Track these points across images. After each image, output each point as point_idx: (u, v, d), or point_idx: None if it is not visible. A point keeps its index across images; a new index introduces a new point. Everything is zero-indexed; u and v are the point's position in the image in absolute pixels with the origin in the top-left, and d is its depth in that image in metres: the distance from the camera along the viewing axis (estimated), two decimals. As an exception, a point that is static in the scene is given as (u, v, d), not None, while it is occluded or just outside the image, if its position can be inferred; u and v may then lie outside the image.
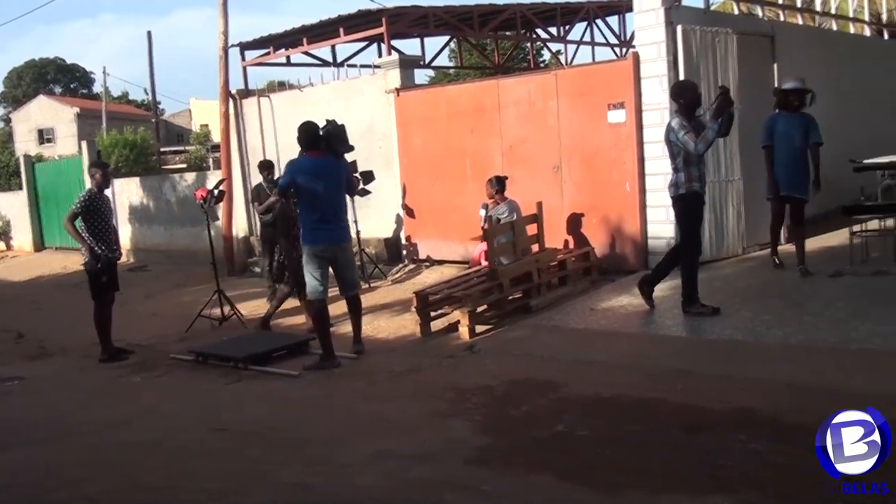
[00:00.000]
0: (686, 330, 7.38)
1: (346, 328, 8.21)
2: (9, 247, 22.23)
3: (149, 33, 30.84)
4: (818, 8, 14.27)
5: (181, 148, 40.54)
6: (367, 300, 9.56)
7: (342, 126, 7.74)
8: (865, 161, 10.10)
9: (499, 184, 9.78)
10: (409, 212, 12.01)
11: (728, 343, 6.80)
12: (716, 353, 6.68)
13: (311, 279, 7.57)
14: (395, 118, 12.07)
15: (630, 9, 10.01)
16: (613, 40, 19.05)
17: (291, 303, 10.84)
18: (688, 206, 7.45)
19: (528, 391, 6.16)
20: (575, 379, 6.29)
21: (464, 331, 8.06)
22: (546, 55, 28.19)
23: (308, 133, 7.58)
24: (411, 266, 11.95)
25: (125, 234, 17.11)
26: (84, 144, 19.48)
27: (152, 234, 17.41)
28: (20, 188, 21.89)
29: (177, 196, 16.73)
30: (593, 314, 8.24)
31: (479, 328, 8.16)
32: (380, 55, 15.07)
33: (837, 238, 9.46)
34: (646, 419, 5.24)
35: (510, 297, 8.73)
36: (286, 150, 11.28)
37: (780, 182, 8.62)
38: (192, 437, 5.83)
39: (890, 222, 8.72)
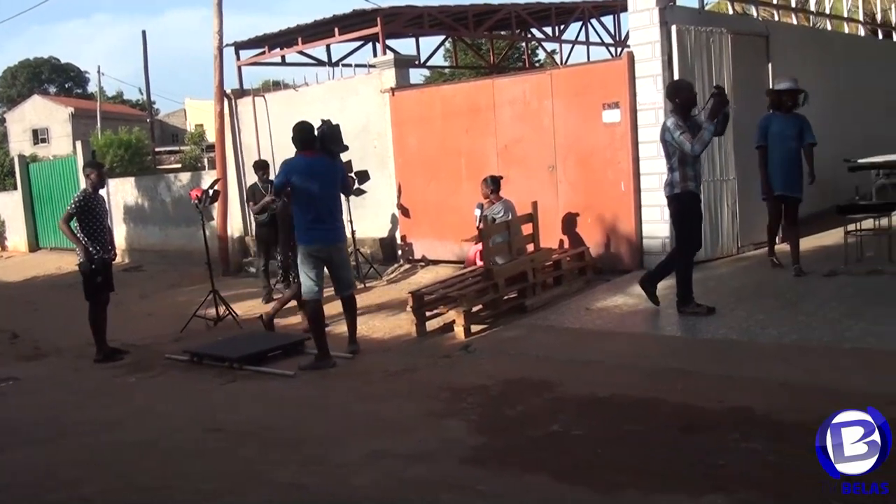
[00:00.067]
0: (681, 329, 7.39)
1: (342, 328, 8.22)
2: (3, 247, 22.17)
3: (143, 33, 31.07)
4: (812, 8, 14.30)
5: (176, 148, 40.57)
6: (362, 300, 9.57)
7: (337, 126, 7.73)
8: (860, 161, 10.13)
9: (494, 183, 9.78)
10: (405, 211, 12.01)
11: (723, 342, 6.82)
12: (711, 353, 6.68)
13: (306, 279, 7.57)
14: (390, 118, 12.06)
15: (625, 8, 10.01)
16: (608, 40, 19.09)
17: (288, 303, 10.85)
18: (683, 205, 7.46)
19: (523, 391, 6.16)
20: (570, 378, 6.30)
21: (459, 331, 8.06)
22: (541, 55, 28.23)
23: (303, 133, 7.57)
24: (406, 266, 11.94)
25: (120, 234, 17.06)
26: (79, 144, 19.42)
27: (147, 234, 17.38)
28: (15, 188, 21.83)
29: (172, 196, 16.71)
30: (588, 314, 8.25)
31: (475, 328, 8.16)
32: (375, 55, 15.10)
33: (832, 237, 9.47)
34: (642, 419, 5.24)
35: (505, 297, 8.73)
36: (281, 150, 11.28)
37: (775, 182, 8.64)
38: (187, 438, 5.82)
39: (884, 222, 8.73)
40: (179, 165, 32.34)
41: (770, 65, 10.26)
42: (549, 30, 18.32)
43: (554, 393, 6.02)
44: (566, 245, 10.09)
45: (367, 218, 12.21)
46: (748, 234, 9.78)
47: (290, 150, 7.78)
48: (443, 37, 18.03)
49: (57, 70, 69.73)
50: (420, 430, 5.45)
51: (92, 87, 61.42)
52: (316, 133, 7.57)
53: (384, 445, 5.17)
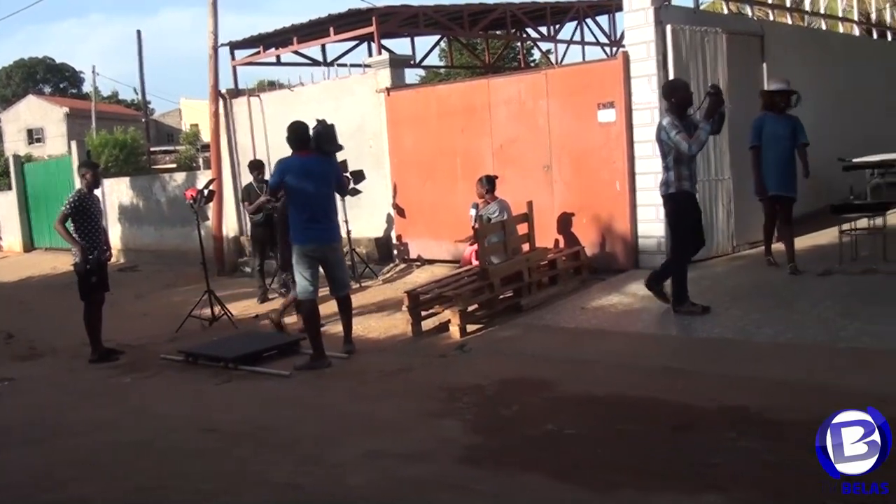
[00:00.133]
0: (676, 329, 7.41)
1: (338, 328, 8.21)
2: (-2, 247, 22.15)
3: (138, 32, 30.83)
4: (807, 7, 14.32)
5: (171, 148, 40.48)
6: (357, 300, 9.57)
7: (331, 125, 7.74)
8: (855, 160, 10.17)
9: (489, 183, 9.79)
10: (400, 211, 12.01)
11: (718, 342, 6.83)
12: (706, 352, 6.70)
13: (301, 279, 7.57)
14: (385, 117, 12.05)
15: (620, 8, 10.03)
16: (603, 40, 19.08)
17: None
18: (678, 205, 7.47)
19: (519, 390, 6.18)
20: (566, 378, 6.30)
21: (455, 330, 8.06)
22: (536, 54, 28.24)
23: (297, 133, 7.58)
24: (402, 266, 11.94)
25: (115, 234, 17.04)
26: (73, 144, 19.41)
27: (142, 234, 17.36)
28: (9, 188, 21.80)
29: (167, 196, 16.69)
30: (584, 313, 8.25)
31: (470, 327, 8.17)
32: (370, 54, 15.07)
33: (827, 237, 9.49)
34: (637, 418, 5.25)
35: (501, 297, 8.73)
36: (276, 150, 11.27)
37: (769, 182, 8.67)
38: (182, 438, 5.82)
39: (879, 221, 8.75)
40: (174, 165, 32.27)
41: (765, 64, 10.28)
42: (544, 29, 18.31)
43: (550, 392, 6.03)
44: (561, 245, 10.09)
45: (362, 218, 12.20)
46: (743, 233, 9.79)
47: (285, 150, 7.78)
48: (438, 36, 18.02)
49: (52, 70, 69.68)
50: (416, 430, 5.45)
51: (87, 87, 61.35)
52: (311, 133, 7.57)
53: (380, 445, 5.17)
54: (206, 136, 31.73)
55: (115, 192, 17.88)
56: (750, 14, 12.03)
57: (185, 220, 14.37)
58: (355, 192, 11.11)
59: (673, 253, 7.72)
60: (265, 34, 14.95)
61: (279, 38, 15.12)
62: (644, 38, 9.27)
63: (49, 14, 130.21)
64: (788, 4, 13.61)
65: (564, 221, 10.12)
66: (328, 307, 8.47)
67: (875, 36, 16.48)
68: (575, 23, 18.46)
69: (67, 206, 8.52)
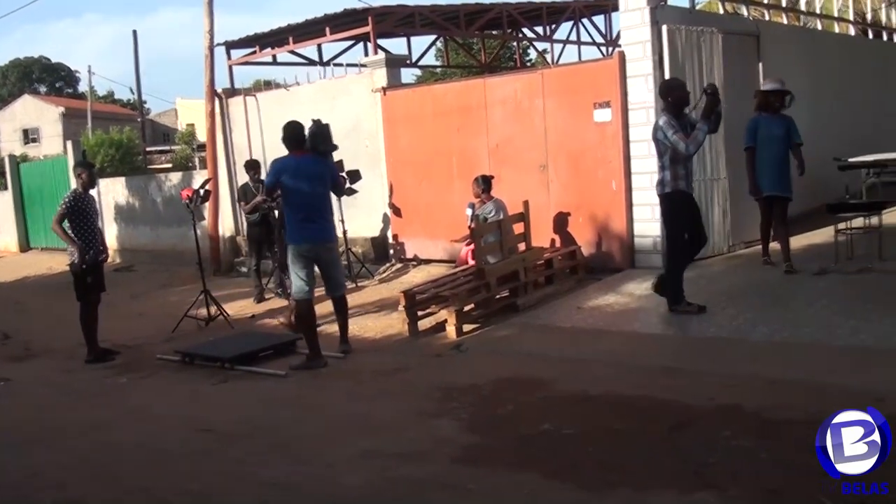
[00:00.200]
0: (672, 328, 7.42)
1: (334, 328, 8.20)
2: (-7, 247, 22.09)
3: (134, 32, 30.95)
4: (803, 7, 14.34)
5: (167, 147, 40.43)
6: (353, 299, 9.57)
7: (326, 125, 7.74)
8: (850, 160, 10.19)
9: (485, 183, 9.80)
10: (396, 211, 12.01)
11: (714, 341, 6.84)
12: (701, 351, 6.71)
13: (296, 279, 7.57)
14: (381, 117, 12.05)
15: (616, 8, 10.02)
16: (599, 39, 19.08)
17: (279, 303, 10.86)
18: (673, 204, 7.47)
19: (514, 389, 6.18)
20: (562, 377, 6.31)
21: (451, 330, 8.07)
22: (532, 54, 28.22)
23: (293, 133, 7.58)
24: (398, 265, 11.94)
25: (111, 234, 17.01)
26: (69, 144, 19.35)
27: (138, 234, 17.32)
28: (5, 188, 21.73)
29: (163, 196, 16.66)
30: (580, 312, 8.26)
31: (466, 327, 8.17)
32: (366, 54, 15.08)
33: (822, 236, 9.50)
34: (633, 417, 5.26)
35: (497, 296, 8.74)
36: (272, 150, 11.26)
37: (765, 183, 8.69)
38: (178, 438, 5.81)
39: (874, 220, 8.76)
40: (170, 165, 32.25)
41: (761, 64, 10.28)
42: (540, 29, 18.30)
43: (545, 391, 6.03)
44: (557, 244, 10.09)
45: (358, 217, 12.20)
46: (739, 232, 9.80)
47: (281, 150, 7.77)
48: (434, 36, 18.00)
49: (47, 69, 69.53)
50: (411, 430, 5.46)
51: (83, 87, 61.24)
52: (306, 133, 7.58)
53: (375, 445, 5.17)
54: (202, 136, 31.69)
55: (111, 192, 17.85)
56: (746, 14, 12.04)
57: (182, 220, 14.33)
58: (351, 191, 11.10)
59: (668, 252, 7.72)
60: (261, 34, 14.93)
61: (275, 38, 15.11)
62: (640, 37, 9.28)
63: (45, 13, 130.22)
64: (784, 4, 13.62)
65: (560, 221, 10.12)
66: (325, 307, 8.47)
67: (871, 36, 16.51)
68: (571, 23, 18.46)
69: (63, 207, 8.51)
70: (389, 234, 12.27)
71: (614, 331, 7.60)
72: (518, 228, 9.37)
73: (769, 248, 9.02)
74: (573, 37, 18.72)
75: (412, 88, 12.91)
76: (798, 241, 9.32)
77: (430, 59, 22.26)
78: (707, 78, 9.18)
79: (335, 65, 16.51)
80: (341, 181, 9.28)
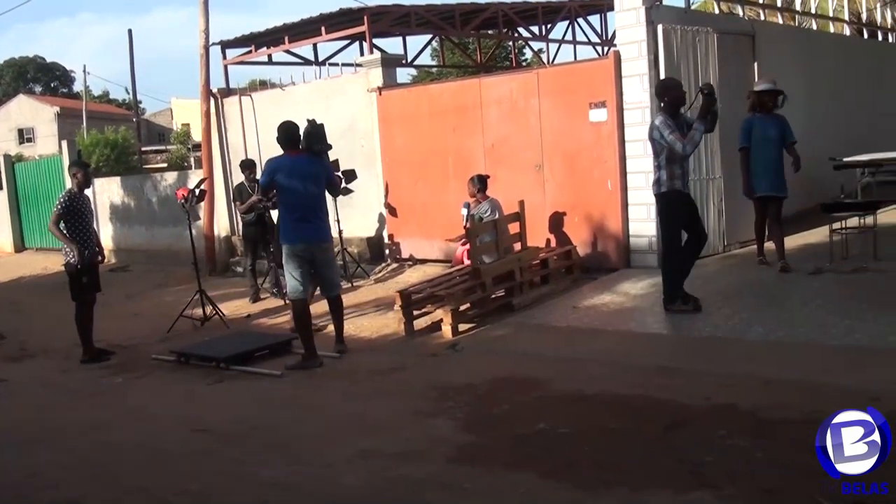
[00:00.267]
0: (667, 327, 7.42)
1: (331, 327, 8.20)
2: (-12, 247, 22.04)
3: (129, 32, 30.75)
4: (798, 7, 14.36)
5: (162, 147, 40.39)
6: (349, 299, 9.58)
7: (321, 125, 7.75)
8: (845, 159, 10.21)
9: (481, 182, 9.79)
10: (392, 211, 12.00)
11: (709, 340, 6.85)
12: (697, 351, 6.72)
13: (291, 279, 7.56)
14: (377, 117, 12.04)
15: (611, 8, 10.04)
16: (595, 39, 19.13)
17: (274, 303, 10.85)
18: (669, 204, 7.49)
19: (510, 389, 6.18)
20: (557, 376, 6.31)
21: (447, 329, 8.07)
22: (528, 54, 28.27)
23: (288, 132, 7.58)
24: (394, 265, 11.93)
25: (106, 234, 16.99)
26: (64, 144, 19.30)
27: (133, 234, 17.29)
28: (0, 188, 21.70)
29: (158, 196, 16.63)
30: (575, 312, 8.27)
31: (462, 327, 8.17)
32: (362, 54, 15.08)
33: (817, 235, 9.52)
34: (628, 416, 5.27)
35: (493, 296, 8.74)
36: (268, 149, 11.23)
37: (760, 183, 8.72)
38: (174, 438, 5.80)
39: (869, 220, 8.78)
40: (166, 165, 32.23)
41: (756, 64, 10.30)
42: (535, 29, 18.35)
43: (541, 391, 6.04)
44: (553, 244, 10.10)
45: (354, 217, 12.19)
46: (734, 232, 9.81)
47: (276, 150, 7.77)
48: (430, 36, 18.03)
49: (42, 69, 69.46)
50: (407, 429, 5.45)
51: (78, 87, 61.26)
52: (301, 133, 7.58)
53: (372, 445, 5.17)
54: (197, 136, 31.67)
55: (106, 192, 17.81)
56: (741, 14, 12.06)
57: (177, 220, 14.32)
58: (347, 191, 11.11)
59: (664, 252, 7.73)
60: (256, 33, 14.93)
61: (270, 38, 15.11)
62: (635, 37, 9.29)
63: (40, 13, 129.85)
64: (779, 4, 13.65)
65: (556, 221, 10.13)
66: (321, 307, 8.46)
67: (866, 36, 16.53)
68: (566, 22, 18.50)
69: (59, 207, 8.49)
70: (385, 234, 12.26)
71: (610, 330, 7.60)
72: (514, 228, 9.37)
73: (764, 248, 9.03)
74: (569, 36, 18.77)
75: (408, 88, 12.90)
76: (793, 241, 9.34)
77: (425, 59, 22.26)
78: (702, 78, 9.20)
79: (331, 64, 16.53)
80: (337, 181, 9.27)
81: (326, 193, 7.83)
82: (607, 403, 5.61)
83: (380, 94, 11.98)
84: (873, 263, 8.40)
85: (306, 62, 16.48)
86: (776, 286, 8.20)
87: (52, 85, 68.96)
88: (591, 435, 4.99)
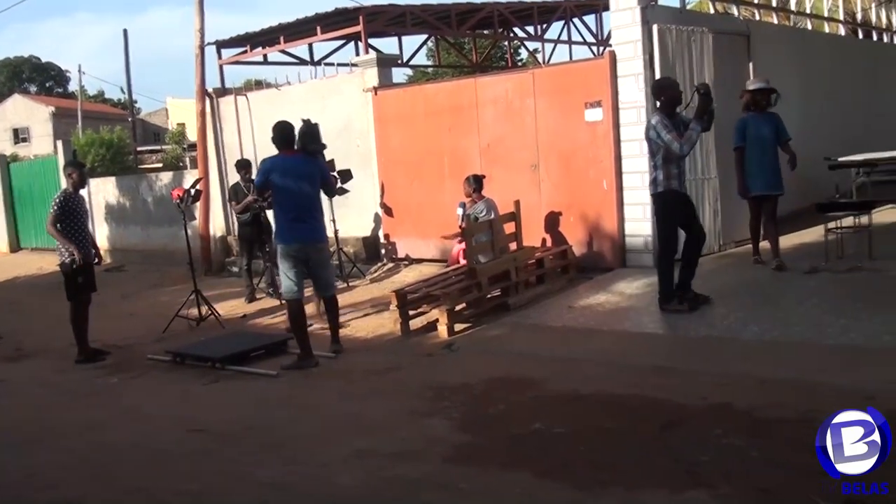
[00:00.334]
0: (663, 327, 7.43)
1: (326, 327, 8.20)
2: (-16, 248, 21.99)
3: (125, 31, 30.65)
4: (793, 7, 14.38)
5: (158, 147, 40.29)
6: (345, 299, 9.57)
7: (315, 125, 7.74)
8: (840, 159, 10.23)
9: (476, 182, 9.80)
10: (388, 210, 12.00)
11: (705, 340, 6.86)
12: (693, 350, 6.73)
13: (285, 279, 7.56)
14: (372, 117, 12.04)
15: (607, 8, 10.05)
16: (590, 39, 19.13)
17: (270, 302, 10.84)
18: (666, 203, 7.49)
19: (506, 389, 6.18)
20: (553, 376, 6.32)
21: (442, 329, 8.07)
22: (523, 54, 28.28)
23: (282, 132, 7.58)
24: (390, 265, 11.93)
25: (101, 234, 16.97)
26: (60, 144, 19.29)
27: (129, 234, 17.27)
28: (-5, 188, 21.67)
29: (153, 196, 16.61)
30: (571, 312, 8.27)
31: (458, 326, 8.17)
32: (357, 54, 15.04)
33: (813, 235, 9.53)
34: (624, 416, 5.27)
35: (488, 296, 8.74)
36: (263, 149, 11.24)
37: (756, 181, 8.73)
38: (169, 438, 5.80)
39: (864, 219, 8.80)
40: (161, 165, 32.13)
41: (751, 64, 10.31)
42: (531, 29, 18.33)
43: (537, 391, 6.04)
44: (549, 243, 10.11)
45: (350, 217, 12.19)
46: (730, 232, 9.82)
47: (272, 150, 7.77)
48: (425, 36, 18.02)
49: (38, 69, 69.29)
50: (403, 429, 5.46)
51: (73, 86, 61.02)
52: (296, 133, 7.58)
53: (367, 444, 5.17)
54: (192, 136, 31.61)
55: (102, 192, 17.78)
56: (736, 14, 12.07)
57: (172, 220, 14.30)
58: (343, 191, 11.10)
59: (660, 251, 7.74)
60: (252, 33, 14.91)
61: (266, 38, 15.09)
62: (631, 37, 9.29)
63: (35, 12, 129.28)
64: (774, 4, 13.66)
65: (552, 220, 10.13)
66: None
67: (861, 36, 16.57)
68: (562, 22, 18.50)
69: (55, 207, 8.47)
70: (381, 234, 12.26)
71: (605, 330, 7.61)
72: (509, 228, 9.38)
73: (759, 247, 9.04)
74: (564, 36, 18.78)
75: (403, 88, 12.91)
76: (788, 240, 9.35)
77: (421, 59, 22.23)
78: (697, 77, 9.20)
79: (326, 64, 16.52)
80: (332, 181, 9.25)
81: (322, 193, 7.83)
82: (603, 403, 5.61)
83: (375, 93, 11.98)
84: (868, 263, 8.41)
85: (302, 62, 16.47)
86: (772, 286, 8.21)
87: (48, 85, 68.82)
88: (586, 435, 4.99)
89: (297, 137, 7.60)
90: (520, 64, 26.11)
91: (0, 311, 12.64)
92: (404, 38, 16.65)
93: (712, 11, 11.72)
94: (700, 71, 9.45)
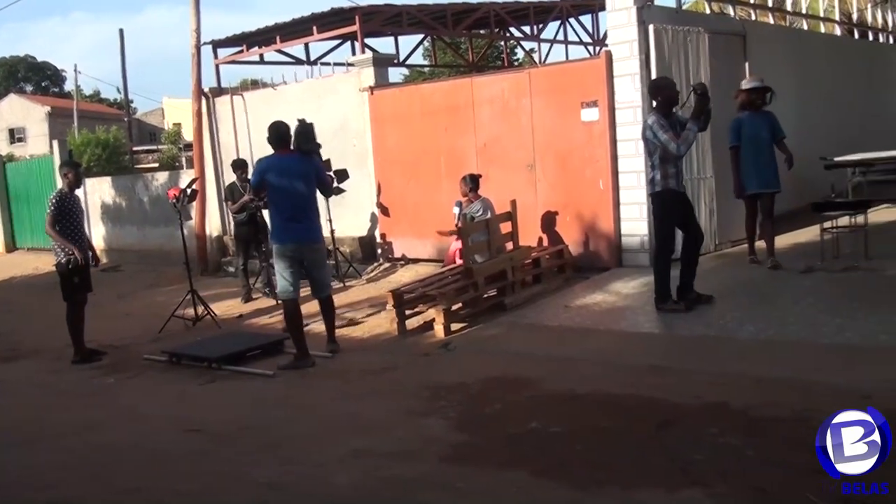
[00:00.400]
0: (659, 326, 7.44)
1: (322, 327, 8.19)
2: (-21, 248, 21.94)
3: (121, 31, 30.80)
4: (789, 7, 14.40)
5: (154, 147, 40.27)
6: (341, 299, 9.58)
7: (310, 124, 7.74)
8: (836, 159, 10.24)
9: (472, 182, 9.80)
10: (384, 210, 12.00)
11: (701, 339, 6.86)
12: (689, 349, 6.73)
13: (281, 279, 7.55)
14: (369, 116, 12.04)
15: (603, 8, 10.05)
16: (586, 39, 19.15)
17: (266, 302, 10.84)
18: (664, 203, 7.50)
19: (502, 388, 6.18)
20: (549, 376, 6.32)
21: (439, 329, 8.07)
22: (520, 54, 28.27)
23: (278, 132, 7.57)
24: (386, 265, 11.93)
25: (97, 234, 16.95)
26: (55, 144, 19.26)
27: (125, 233, 17.25)
28: (-9, 188, 21.62)
29: (149, 195, 16.59)
30: (567, 311, 8.28)
31: (454, 326, 8.17)
32: (353, 53, 15.07)
33: (808, 234, 9.55)
34: (619, 415, 5.28)
35: (485, 295, 8.75)
36: (260, 149, 11.23)
37: (752, 180, 8.74)
38: (167, 439, 5.80)
39: (860, 219, 8.81)
40: (157, 165, 32.14)
41: (747, 64, 10.31)
42: (527, 29, 18.35)
43: (533, 390, 6.05)
44: (545, 243, 10.11)
45: (346, 217, 12.19)
46: (726, 231, 9.83)
47: (268, 149, 7.75)
48: (422, 35, 18.02)
49: (33, 68, 69.15)
50: (400, 429, 5.46)
51: (69, 86, 60.98)
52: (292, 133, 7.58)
53: (364, 444, 5.17)
54: (188, 136, 31.57)
55: (98, 192, 17.76)
56: (732, 14, 12.09)
57: (168, 220, 14.29)
58: (339, 191, 11.09)
59: (657, 251, 7.74)
60: (248, 33, 14.90)
61: (262, 37, 15.09)
62: (627, 37, 9.30)
63: (31, 12, 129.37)
64: (770, 4, 13.68)
65: (548, 220, 10.14)
66: (313, 306, 8.45)
67: (857, 36, 16.59)
68: (558, 22, 18.53)
69: (52, 207, 8.45)
70: (377, 234, 12.26)
71: (601, 329, 7.61)
72: (505, 227, 9.38)
73: (755, 247, 9.05)
74: (560, 36, 18.80)
75: (400, 88, 12.91)
76: (784, 240, 9.36)
77: (417, 59, 22.37)
78: (694, 77, 9.21)
79: (322, 64, 16.53)
80: (328, 180, 9.26)
81: (318, 193, 7.83)
82: (599, 402, 5.62)
83: (371, 93, 11.97)
84: (864, 262, 8.42)
85: (298, 62, 16.48)
86: (768, 285, 8.22)
87: (43, 84, 68.67)
88: (582, 434, 5.00)
89: (292, 137, 7.61)
90: (516, 64, 26.12)
91: (-4, 311, 12.63)
92: (400, 38, 16.70)
93: (708, 11, 11.72)
94: (696, 71, 9.46)
